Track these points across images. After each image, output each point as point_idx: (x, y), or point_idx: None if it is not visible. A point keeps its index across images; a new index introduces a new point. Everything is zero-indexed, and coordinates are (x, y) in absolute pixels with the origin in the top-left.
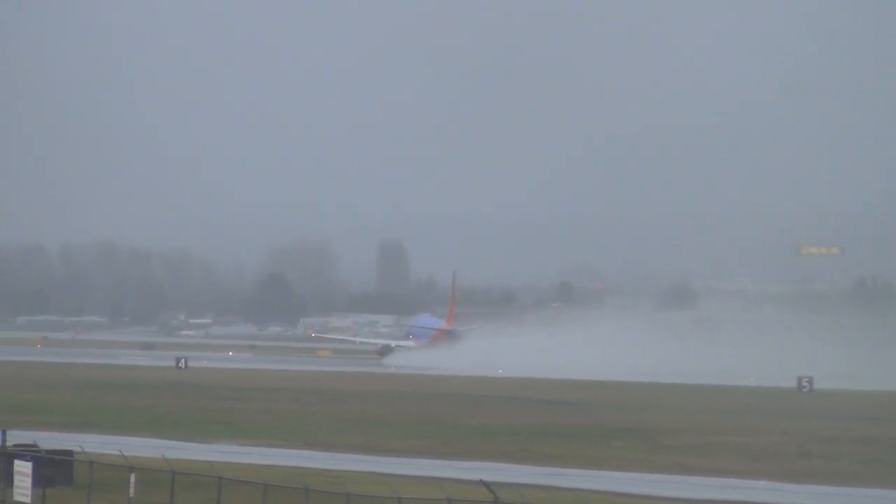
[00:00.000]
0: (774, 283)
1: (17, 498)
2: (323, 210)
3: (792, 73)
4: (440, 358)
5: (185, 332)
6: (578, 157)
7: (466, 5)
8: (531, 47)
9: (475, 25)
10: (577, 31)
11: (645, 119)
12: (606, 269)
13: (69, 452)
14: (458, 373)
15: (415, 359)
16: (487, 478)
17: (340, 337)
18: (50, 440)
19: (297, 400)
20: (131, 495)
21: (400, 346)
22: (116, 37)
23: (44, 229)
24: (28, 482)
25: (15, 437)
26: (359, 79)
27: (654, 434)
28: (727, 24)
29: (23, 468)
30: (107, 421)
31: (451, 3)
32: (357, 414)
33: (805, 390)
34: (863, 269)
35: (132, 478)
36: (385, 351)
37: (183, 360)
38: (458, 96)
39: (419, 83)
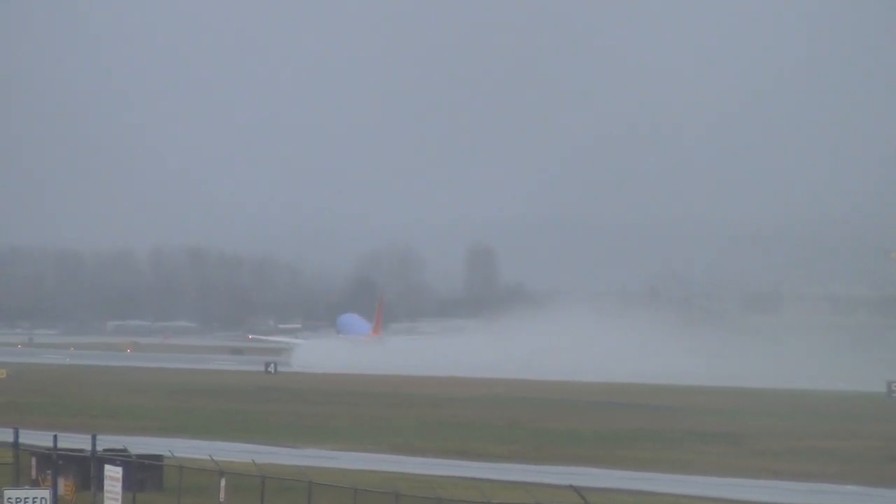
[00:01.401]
0: (863, 287)
1: (107, 502)
2: (410, 214)
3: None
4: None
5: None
6: (661, 159)
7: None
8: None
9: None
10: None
11: (714, 119)
12: (692, 274)
13: (159, 457)
14: (545, 376)
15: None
16: (577, 483)
17: (275, 339)
18: (140, 445)
19: (386, 404)
20: (222, 500)
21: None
22: (163, 40)
23: (134, 235)
24: (118, 487)
25: (105, 442)
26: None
27: (743, 439)
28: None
29: (113, 473)
30: (196, 426)
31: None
32: (447, 418)
33: (895, 395)
34: None
35: (222, 482)
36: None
37: (273, 365)
38: None
39: (486, 93)
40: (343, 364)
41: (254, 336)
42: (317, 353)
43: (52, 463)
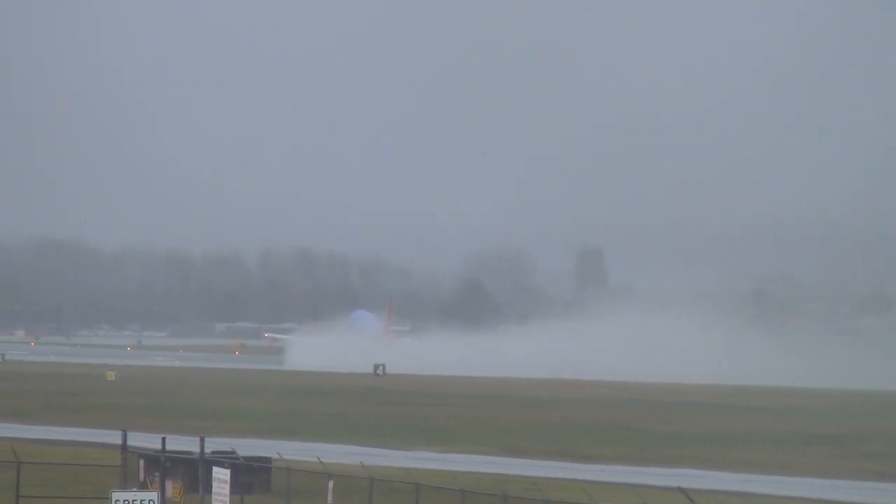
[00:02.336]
0: None
1: None
2: (519, 216)
3: None
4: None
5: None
6: (770, 161)
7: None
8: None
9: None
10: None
11: (825, 123)
12: (801, 276)
13: (267, 459)
14: (654, 378)
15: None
16: (684, 485)
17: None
18: (248, 447)
19: (494, 406)
20: (329, 502)
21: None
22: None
23: (243, 237)
24: (226, 489)
25: (213, 444)
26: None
27: (848, 440)
28: None
29: (221, 475)
30: (304, 428)
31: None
32: (555, 420)
33: None
34: None
35: (330, 485)
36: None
37: (381, 367)
38: None
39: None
40: (346, 364)
41: (269, 335)
42: (311, 352)
43: (160, 465)
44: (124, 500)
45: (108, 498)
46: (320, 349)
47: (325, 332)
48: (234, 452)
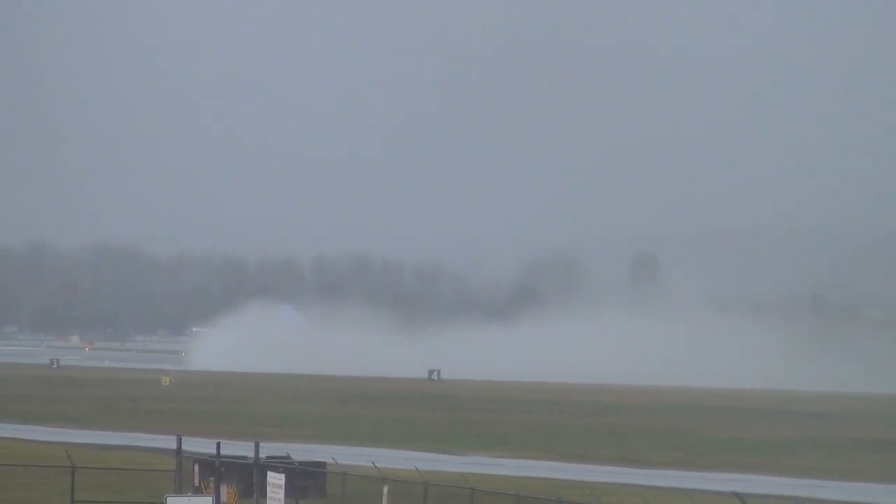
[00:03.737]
0: None
1: None
2: (574, 222)
3: None
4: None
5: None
6: (827, 167)
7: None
8: None
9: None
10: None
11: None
12: (859, 282)
13: (322, 464)
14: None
15: None
16: (740, 490)
17: None
18: (303, 452)
19: (549, 411)
20: None
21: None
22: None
23: (298, 242)
24: (281, 494)
25: (268, 449)
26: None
27: None
28: None
29: (276, 480)
30: (360, 432)
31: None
32: (610, 425)
33: None
34: None
35: (385, 489)
36: None
37: (436, 373)
38: None
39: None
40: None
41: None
42: (220, 349)
43: (215, 470)
44: None
45: (162, 502)
46: (230, 346)
47: (240, 327)
48: (288, 457)
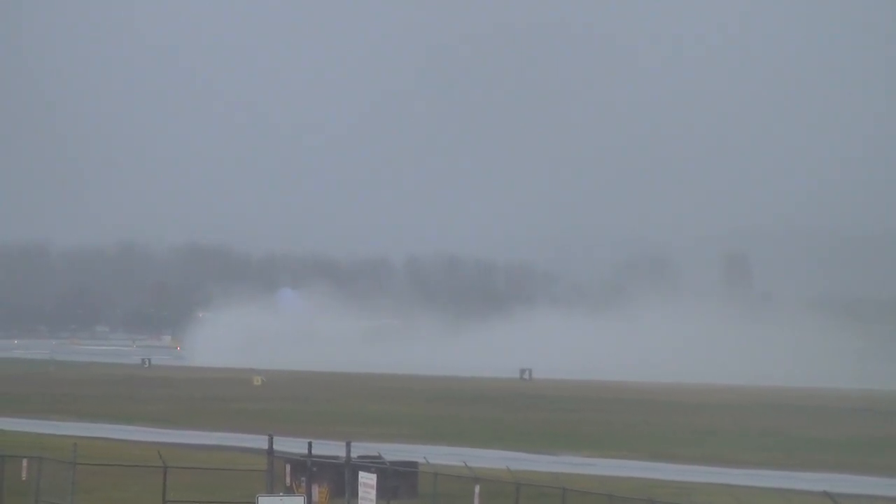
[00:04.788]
0: None
1: None
2: (663, 221)
3: None
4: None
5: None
6: None
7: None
8: None
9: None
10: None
11: None
12: None
13: (414, 464)
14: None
15: None
16: (831, 489)
17: None
18: (394, 452)
19: (641, 411)
20: None
21: None
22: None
23: (390, 242)
24: (372, 494)
25: (359, 449)
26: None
27: None
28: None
29: (367, 480)
30: (450, 432)
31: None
32: (701, 425)
33: None
34: None
35: (476, 489)
36: None
37: (527, 372)
38: None
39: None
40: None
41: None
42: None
43: (307, 470)
44: None
45: (254, 502)
46: (230, 333)
47: (242, 311)
48: (380, 457)
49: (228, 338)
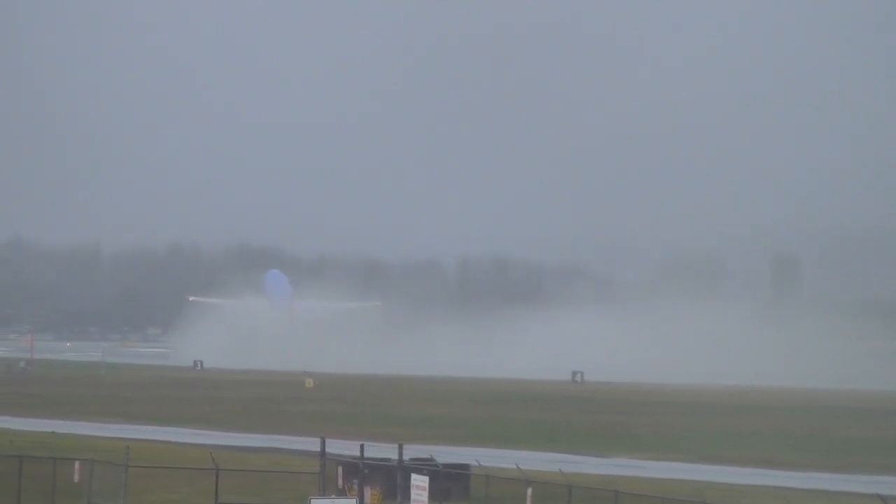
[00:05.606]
0: None
1: None
2: (711, 222)
3: None
4: None
5: None
6: None
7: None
8: None
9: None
10: None
11: None
12: None
13: (466, 466)
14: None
15: None
16: (883, 492)
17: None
18: (446, 454)
19: (692, 413)
20: None
21: None
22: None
23: (440, 244)
24: (424, 496)
25: (411, 451)
26: None
27: None
28: None
29: (419, 482)
30: (502, 434)
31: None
32: (751, 427)
33: None
34: None
35: (528, 491)
36: None
37: (579, 374)
38: None
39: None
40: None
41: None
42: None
43: (359, 472)
44: None
45: None
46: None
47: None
48: (432, 459)
49: (224, 336)
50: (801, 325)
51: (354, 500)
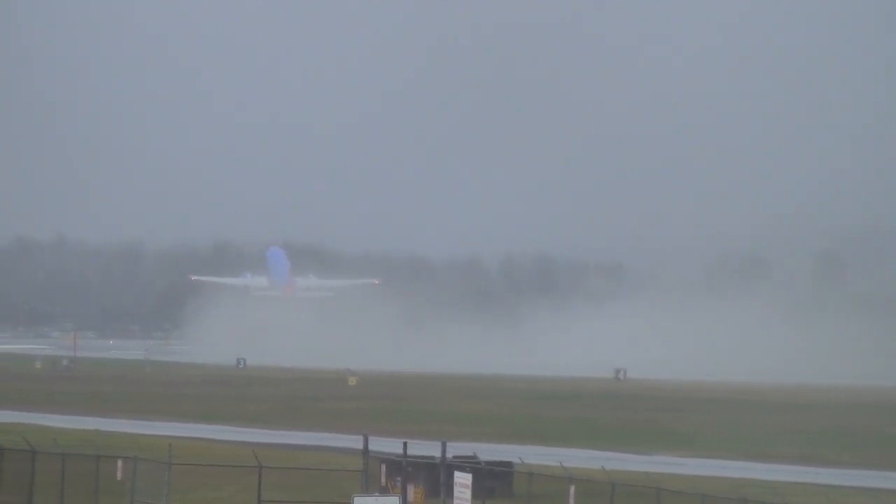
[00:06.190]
0: None
1: None
2: (754, 219)
3: None
4: None
5: None
6: None
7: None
8: None
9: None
10: None
11: None
12: None
13: (509, 464)
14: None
15: None
16: None
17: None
18: (489, 451)
19: (734, 411)
20: None
21: None
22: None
23: (481, 241)
24: (468, 494)
25: (454, 449)
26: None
27: None
28: None
29: (462, 480)
30: (544, 432)
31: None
32: (793, 424)
33: None
34: None
35: (571, 489)
36: None
37: (622, 372)
38: None
39: None
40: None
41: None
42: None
43: (402, 470)
44: None
45: (350, 502)
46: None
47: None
48: (475, 457)
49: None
50: (843, 322)
51: (398, 498)
